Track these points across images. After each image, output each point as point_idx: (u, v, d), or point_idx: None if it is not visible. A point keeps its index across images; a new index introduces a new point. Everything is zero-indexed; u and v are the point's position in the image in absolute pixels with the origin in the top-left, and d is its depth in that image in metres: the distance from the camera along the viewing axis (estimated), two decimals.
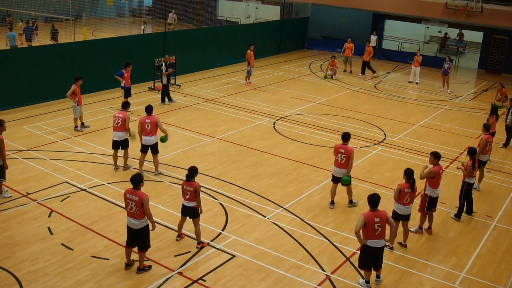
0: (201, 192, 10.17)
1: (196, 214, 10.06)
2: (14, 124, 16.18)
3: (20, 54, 18.59)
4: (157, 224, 10.92)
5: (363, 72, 26.99)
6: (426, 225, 11.49)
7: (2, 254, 9.63)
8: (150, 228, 9.31)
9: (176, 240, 10.41)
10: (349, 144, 12.01)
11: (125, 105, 13.93)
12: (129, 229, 9.25)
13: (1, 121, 11.67)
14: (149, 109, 13.06)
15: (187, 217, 10.19)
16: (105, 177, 13.07)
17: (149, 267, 9.50)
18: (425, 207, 11.15)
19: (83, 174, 13.15)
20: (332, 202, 12.31)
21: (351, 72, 27.32)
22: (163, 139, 12.88)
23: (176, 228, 10.59)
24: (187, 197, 9.94)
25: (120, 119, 13.21)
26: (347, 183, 11.86)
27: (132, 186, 9.11)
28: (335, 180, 12.12)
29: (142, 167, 13.30)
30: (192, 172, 9.89)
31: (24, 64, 18.17)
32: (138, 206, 8.97)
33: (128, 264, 9.46)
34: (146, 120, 12.86)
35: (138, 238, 9.25)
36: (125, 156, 13.53)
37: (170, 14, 33.18)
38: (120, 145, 13.36)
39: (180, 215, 10.37)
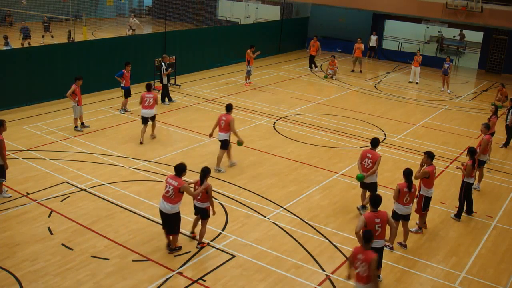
0: None
1: (207, 215, 10.15)
2: (14, 124, 16.17)
3: (20, 54, 18.59)
4: (157, 224, 10.96)
5: (310, 67, 27.43)
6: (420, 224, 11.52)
7: (2, 254, 9.63)
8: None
9: (190, 236, 10.52)
10: (359, 147, 11.83)
11: (149, 87, 15.82)
12: (161, 213, 9.78)
13: (1, 121, 11.67)
14: (228, 107, 13.91)
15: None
16: (105, 177, 13.07)
17: (180, 247, 10.04)
18: (422, 207, 11.16)
19: (83, 174, 13.15)
20: (363, 207, 12.00)
21: (360, 71, 27.38)
22: (239, 144, 13.77)
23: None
24: (199, 197, 10.00)
25: (151, 99, 15.28)
26: (360, 180, 11.67)
27: (174, 173, 9.66)
28: (363, 185, 11.91)
29: (219, 164, 13.91)
30: (205, 172, 9.97)
31: (24, 64, 18.16)
32: (175, 191, 9.51)
33: (169, 244, 10.03)
34: (223, 118, 13.73)
35: (168, 222, 9.74)
36: (153, 126, 15.75)
37: (131, 19, 32.61)
38: (149, 119, 15.48)
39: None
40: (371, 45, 30.73)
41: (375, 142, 11.72)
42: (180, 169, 9.63)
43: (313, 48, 26.99)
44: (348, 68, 28.09)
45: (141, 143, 15.28)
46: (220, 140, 13.78)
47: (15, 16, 34.64)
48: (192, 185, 10.08)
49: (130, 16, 34.01)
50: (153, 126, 15.79)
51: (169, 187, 9.55)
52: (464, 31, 34.33)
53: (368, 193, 11.81)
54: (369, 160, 11.52)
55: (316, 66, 27.48)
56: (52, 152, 14.42)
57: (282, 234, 10.99)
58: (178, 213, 9.77)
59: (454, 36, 35.16)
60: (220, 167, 13.82)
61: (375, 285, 7.67)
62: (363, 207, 12.05)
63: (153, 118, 15.58)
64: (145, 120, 15.42)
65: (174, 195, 9.53)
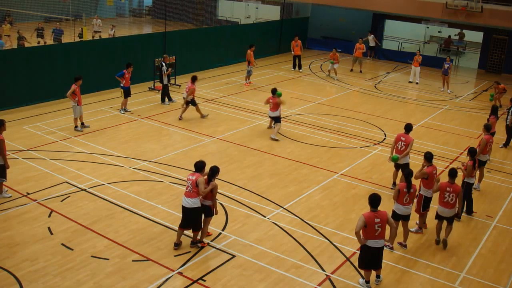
0: None
1: (210, 213, 10.23)
2: (14, 124, 16.18)
3: (20, 54, 18.59)
4: (157, 224, 10.96)
5: (294, 67, 27.02)
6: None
7: (2, 254, 9.64)
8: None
9: (189, 236, 10.47)
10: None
11: (194, 79, 17.55)
12: (183, 209, 9.98)
13: (1, 121, 11.68)
14: (274, 90, 16.79)
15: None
16: (105, 177, 13.07)
17: (202, 242, 10.26)
18: (421, 207, 11.17)
19: (83, 174, 13.15)
20: (394, 183, 13.27)
21: (360, 71, 27.37)
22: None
23: (176, 228, 10.59)
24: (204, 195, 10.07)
25: (189, 89, 17.24)
26: (395, 161, 12.81)
27: (194, 170, 10.04)
28: (397, 166, 13.11)
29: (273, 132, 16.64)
30: (214, 171, 10.06)
31: (24, 64, 18.16)
32: (193, 185, 9.81)
33: (178, 244, 10.14)
34: (270, 100, 16.59)
35: (191, 218, 9.95)
36: (197, 109, 17.82)
37: (95, 20, 31.97)
38: (191, 103, 17.64)
39: (178, 214, 10.38)
40: (370, 45, 30.75)
41: (408, 127, 13.01)
42: (200, 166, 10.02)
43: (297, 48, 26.60)
44: (348, 68, 28.08)
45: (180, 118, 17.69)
46: (272, 117, 16.86)
47: (15, 16, 34.62)
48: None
49: (94, 17, 32.66)
50: (196, 109, 17.81)
51: (188, 182, 9.88)
52: (464, 31, 34.25)
53: (399, 173, 12.92)
54: (403, 143, 12.81)
55: (294, 68, 27.06)
56: (52, 152, 14.42)
57: (282, 234, 10.99)
58: (199, 208, 9.96)
59: (455, 35, 35.10)
60: (277, 137, 16.57)
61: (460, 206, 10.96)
62: (394, 184, 13.26)
63: (193, 102, 17.68)
64: (192, 102, 17.73)
65: (193, 189, 9.82)
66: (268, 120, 17.59)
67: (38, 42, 29.05)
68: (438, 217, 10.86)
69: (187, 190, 9.90)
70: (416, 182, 10.89)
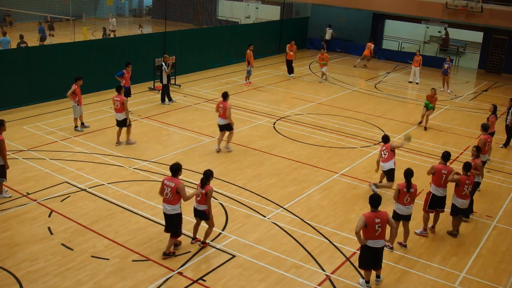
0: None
1: (207, 217, 10.13)
2: (14, 124, 16.18)
3: (20, 54, 18.59)
4: (157, 224, 10.96)
5: (290, 72, 25.76)
6: (431, 223, 11.56)
7: (2, 254, 9.64)
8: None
9: (191, 243, 10.36)
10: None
11: (119, 89, 15.32)
12: (164, 215, 9.81)
13: (1, 121, 11.68)
14: (225, 95, 15.01)
15: (201, 220, 10.28)
16: (105, 177, 13.07)
17: (173, 253, 9.93)
18: (427, 205, 11.20)
19: (83, 174, 13.15)
20: (375, 185, 13.29)
21: (365, 66, 27.53)
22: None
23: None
24: (198, 199, 9.96)
25: (118, 102, 14.90)
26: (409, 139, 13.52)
27: (171, 174, 9.64)
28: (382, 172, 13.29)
29: (219, 145, 15.21)
30: (207, 175, 9.89)
31: (24, 64, 18.16)
32: (173, 192, 9.50)
33: (177, 245, 10.11)
34: (220, 105, 14.94)
35: (171, 225, 9.76)
36: (128, 132, 15.25)
37: (110, 19, 31.76)
38: (121, 124, 15.07)
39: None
40: (326, 38, 30.98)
41: (384, 138, 13.10)
42: (176, 169, 9.63)
43: (290, 54, 25.52)
44: (348, 68, 28.07)
45: (117, 143, 15.14)
46: (222, 126, 15.04)
47: (15, 16, 34.66)
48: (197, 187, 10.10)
49: (109, 17, 32.50)
50: (128, 132, 15.23)
51: (167, 189, 9.54)
52: (463, 31, 34.12)
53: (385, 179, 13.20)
54: (386, 151, 12.90)
55: (289, 73, 26.05)
56: (52, 152, 14.42)
57: (282, 234, 10.99)
58: (180, 214, 9.74)
59: (439, 32, 34.96)
60: (220, 147, 15.24)
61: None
62: (375, 185, 13.24)
63: (121, 123, 15.03)
64: (116, 123, 15.19)
65: (173, 196, 9.51)
66: (217, 138, 15.43)
67: (50, 36, 29.13)
68: (457, 211, 11.26)
69: (167, 197, 9.57)
70: (416, 182, 10.88)
